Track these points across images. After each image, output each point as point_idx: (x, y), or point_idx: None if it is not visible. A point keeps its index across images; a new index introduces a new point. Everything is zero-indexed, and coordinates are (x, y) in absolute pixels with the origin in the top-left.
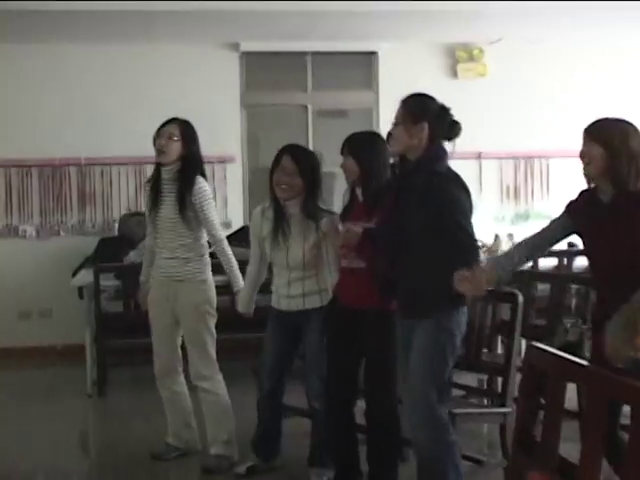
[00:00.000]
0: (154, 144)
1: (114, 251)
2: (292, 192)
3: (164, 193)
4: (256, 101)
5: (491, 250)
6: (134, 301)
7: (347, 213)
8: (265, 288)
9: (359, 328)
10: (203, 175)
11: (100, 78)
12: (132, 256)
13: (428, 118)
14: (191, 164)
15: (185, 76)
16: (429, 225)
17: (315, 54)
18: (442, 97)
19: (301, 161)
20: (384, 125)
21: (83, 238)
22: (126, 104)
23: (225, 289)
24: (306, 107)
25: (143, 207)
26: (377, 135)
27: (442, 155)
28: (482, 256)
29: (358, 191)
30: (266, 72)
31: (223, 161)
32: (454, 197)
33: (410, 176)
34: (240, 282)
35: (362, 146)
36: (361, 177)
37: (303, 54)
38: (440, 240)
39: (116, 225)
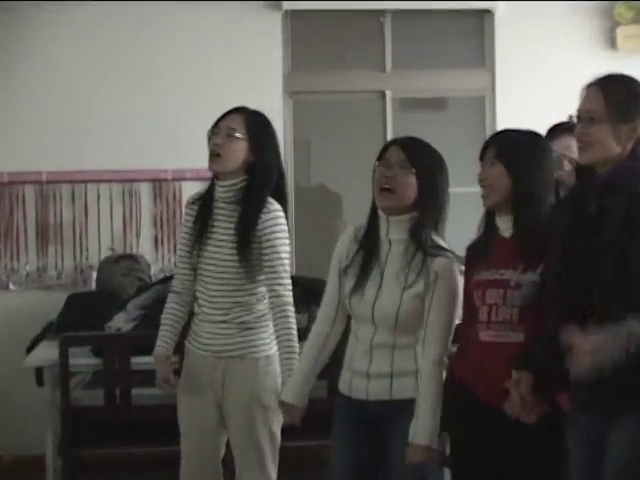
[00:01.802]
0: (208, 143)
1: (91, 314)
2: (400, 198)
3: (217, 222)
4: (306, 86)
5: None
6: (122, 389)
7: (483, 255)
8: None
9: (506, 441)
10: (281, 197)
11: (73, 49)
12: (118, 321)
13: None
14: (262, 178)
15: (202, 50)
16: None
17: (397, 14)
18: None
19: (416, 154)
20: (503, 120)
21: (44, 294)
22: (112, 91)
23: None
24: (383, 94)
25: (133, 247)
26: (540, 137)
27: None
28: None
29: (502, 220)
30: (321, 42)
31: None
32: None
33: (598, 199)
34: (293, 368)
35: (520, 150)
36: (514, 198)
37: (378, 14)
38: None
39: (94, 274)
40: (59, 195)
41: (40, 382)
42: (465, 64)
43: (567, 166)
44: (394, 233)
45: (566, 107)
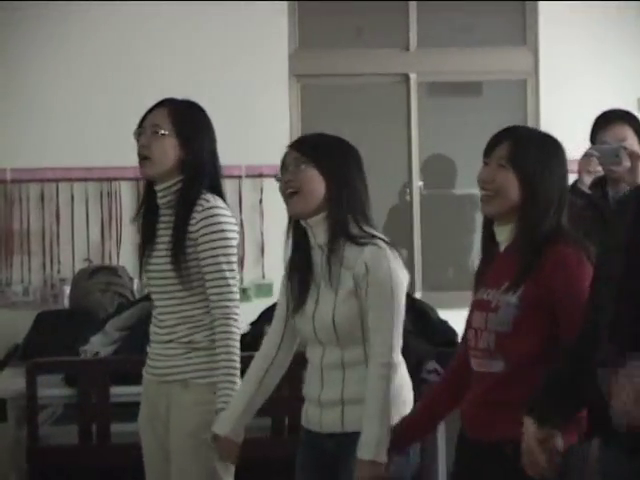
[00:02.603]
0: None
1: (63, 336)
2: (308, 196)
3: (158, 231)
4: (316, 67)
5: None
6: (100, 424)
7: (482, 272)
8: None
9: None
10: (217, 192)
11: (48, 43)
12: (95, 345)
13: None
14: (194, 174)
15: (189, 29)
16: None
17: None
18: None
19: (309, 148)
20: (547, 107)
21: (7, 313)
22: (85, 78)
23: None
24: (407, 77)
25: (113, 257)
26: (559, 143)
27: None
28: None
29: (500, 231)
30: (334, 16)
31: (257, 174)
32: None
33: None
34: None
35: (537, 156)
36: (520, 210)
37: None
38: None
39: (66, 290)
40: (26, 196)
41: (2, 417)
42: (503, 42)
43: (626, 161)
44: (319, 236)
45: (620, 92)
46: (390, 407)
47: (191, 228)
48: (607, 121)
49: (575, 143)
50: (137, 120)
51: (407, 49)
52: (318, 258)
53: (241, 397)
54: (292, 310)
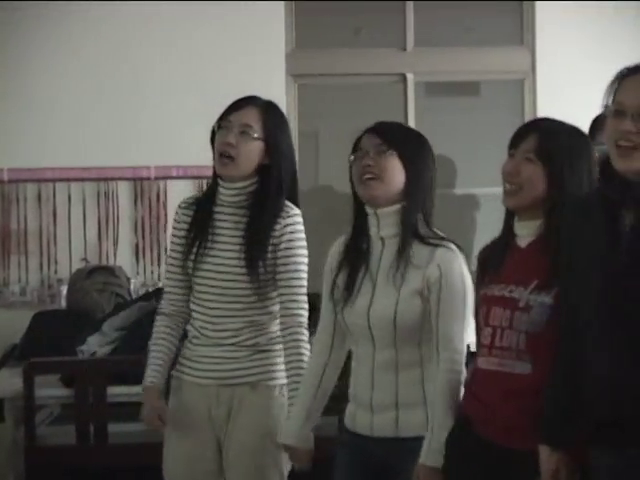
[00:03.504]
0: (212, 142)
1: (60, 336)
2: (388, 184)
3: (221, 229)
4: (313, 67)
5: None
6: (97, 425)
7: (495, 265)
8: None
9: None
10: (295, 202)
11: (42, 43)
12: (93, 345)
13: None
14: (278, 182)
15: (187, 29)
16: None
17: None
18: None
19: (393, 135)
20: (544, 107)
21: (5, 313)
22: (82, 78)
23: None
24: (404, 77)
25: (110, 257)
26: (586, 136)
27: None
28: None
29: (522, 226)
30: (331, 15)
31: None
32: None
33: (636, 216)
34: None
35: (567, 150)
36: (548, 205)
37: None
38: None
39: (63, 290)
40: (23, 197)
41: (0, 417)
42: (500, 42)
43: None
44: (386, 228)
45: None
46: (454, 415)
47: (274, 233)
48: (603, 123)
49: None
50: (135, 120)
51: (404, 49)
52: (377, 250)
53: (301, 404)
54: (340, 304)
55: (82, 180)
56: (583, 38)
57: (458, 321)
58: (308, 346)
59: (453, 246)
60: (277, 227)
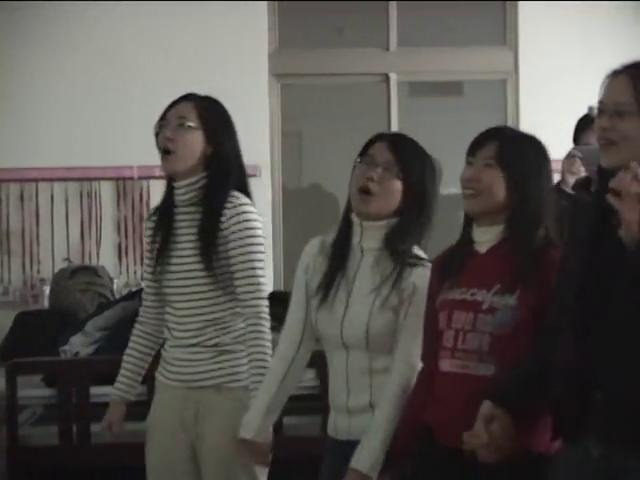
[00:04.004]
0: (156, 140)
1: (43, 336)
2: (382, 204)
3: (180, 229)
4: (296, 67)
5: None
6: (80, 425)
7: (453, 270)
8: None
9: None
10: (244, 190)
11: (23, 42)
12: (76, 345)
13: None
14: (223, 171)
15: (170, 30)
16: None
17: None
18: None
19: (406, 155)
20: (527, 107)
21: None
22: (65, 78)
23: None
24: (387, 77)
25: (93, 257)
26: (542, 143)
27: None
28: None
29: (481, 232)
30: (314, 15)
31: None
32: None
33: None
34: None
35: (525, 156)
36: (508, 211)
37: None
38: None
39: (46, 290)
40: (5, 196)
41: None
42: (483, 41)
43: None
44: (368, 241)
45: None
46: (394, 430)
47: (222, 225)
48: (590, 122)
49: (555, 142)
50: (118, 119)
51: (387, 49)
52: (356, 260)
53: (262, 398)
54: (316, 309)
55: (65, 180)
56: (565, 38)
57: (418, 339)
58: (269, 336)
59: (430, 265)
60: (224, 219)
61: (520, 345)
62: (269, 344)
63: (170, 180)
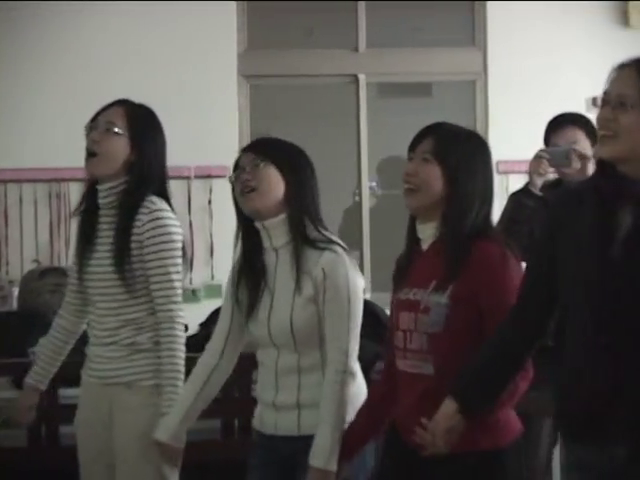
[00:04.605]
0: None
1: (11, 337)
2: (266, 194)
3: (99, 232)
4: (265, 68)
5: None
6: (48, 426)
7: (404, 271)
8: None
9: None
10: (164, 196)
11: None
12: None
13: None
14: (141, 176)
15: (138, 29)
16: None
17: None
18: (601, 62)
19: (269, 149)
20: (496, 107)
21: None
22: (32, 78)
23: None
24: (356, 78)
25: (62, 258)
26: (483, 140)
27: None
28: None
29: (423, 229)
30: (284, 16)
31: (206, 175)
32: None
33: (636, 211)
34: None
35: (463, 151)
36: (445, 205)
37: None
38: None
39: (15, 291)
40: None
41: None
42: (452, 42)
43: (576, 163)
44: (276, 239)
45: (572, 93)
46: (344, 415)
47: (137, 230)
48: (559, 124)
49: (524, 143)
50: (86, 121)
51: (356, 50)
52: (272, 261)
53: (181, 403)
54: (245, 315)
55: (34, 181)
56: (535, 39)
57: (343, 321)
58: (182, 340)
59: (338, 248)
60: (139, 224)
61: (456, 343)
62: (181, 347)
63: (93, 182)
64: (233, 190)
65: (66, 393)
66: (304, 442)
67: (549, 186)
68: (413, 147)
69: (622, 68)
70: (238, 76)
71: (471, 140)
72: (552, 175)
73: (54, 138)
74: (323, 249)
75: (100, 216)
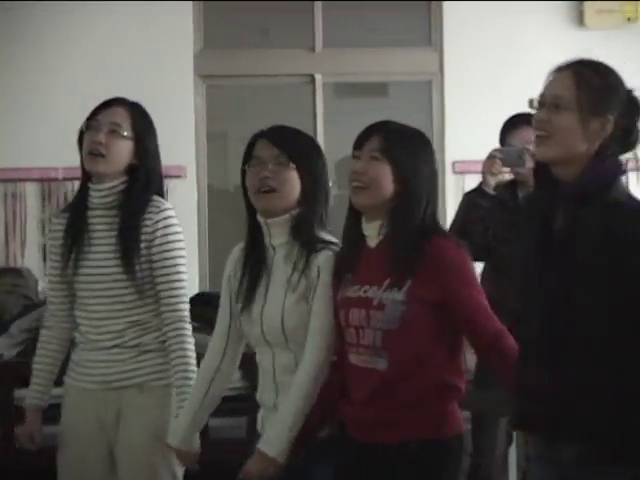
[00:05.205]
0: (79, 142)
1: None
2: (285, 198)
3: (96, 232)
4: (222, 68)
5: None
6: (3, 428)
7: (348, 268)
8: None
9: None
10: (161, 196)
11: None
12: (0, 347)
13: (616, 108)
14: (145, 179)
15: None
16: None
17: None
18: (556, 62)
19: (292, 146)
20: (452, 107)
21: None
22: None
23: None
24: (312, 78)
25: (17, 259)
26: (426, 136)
27: (619, 174)
28: None
29: (370, 227)
30: (240, 16)
31: (163, 175)
32: None
33: (568, 210)
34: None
35: (410, 148)
36: (394, 203)
37: None
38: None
39: None
40: None
41: None
42: (409, 42)
43: (529, 163)
44: (276, 237)
45: (528, 93)
46: (304, 417)
47: (147, 229)
48: (514, 124)
49: (480, 143)
50: (42, 120)
51: (313, 50)
52: (270, 258)
53: (188, 408)
54: (239, 312)
55: None
56: (491, 39)
57: (327, 320)
58: (192, 340)
59: (336, 248)
60: (149, 223)
61: (412, 339)
62: (192, 347)
63: (85, 181)
64: (243, 178)
65: (21, 394)
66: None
67: (504, 186)
68: (359, 145)
69: (559, 71)
70: (194, 76)
71: (416, 138)
72: (508, 175)
73: (9, 138)
74: (319, 250)
75: (91, 217)
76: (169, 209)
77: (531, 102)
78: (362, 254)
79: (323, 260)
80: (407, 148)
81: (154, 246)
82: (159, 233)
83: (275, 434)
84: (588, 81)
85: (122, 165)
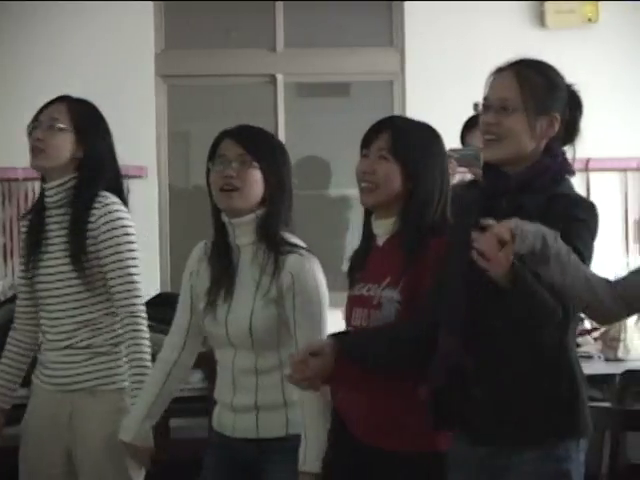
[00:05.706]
0: (29, 141)
1: None
2: (247, 197)
3: (51, 231)
4: (183, 68)
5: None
6: None
7: (359, 267)
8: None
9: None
10: (118, 192)
11: None
12: None
13: (560, 105)
14: (91, 174)
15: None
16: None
17: None
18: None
19: (256, 145)
20: (413, 108)
21: None
22: None
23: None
24: (274, 78)
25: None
26: (436, 132)
27: (566, 168)
28: None
29: (379, 225)
30: (201, 15)
31: (124, 175)
32: (588, 240)
33: (512, 197)
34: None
35: (419, 146)
36: (404, 202)
37: None
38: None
39: None
40: None
41: None
42: (370, 42)
43: None
44: (241, 237)
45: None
46: (328, 414)
47: (91, 226)
48: (474, 124)
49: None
50: (2, 120)
51: (274, 50)
52: (235, 259)
53: (143, 401)
54: (202, 311)
55: None
56: (452, 38)
57: (315, 324)
58: (147, 335)
59: (304, 252)
60: (92, 219)
61: None
62: (147, 343)
63: (42, 181)
64: (208, 176)
65: None
66: (261, 445)
67: (465, 186)
68: (367, 143)
69: (500, 72)
70: (155, 76)
71: (426, 133)
72: (469, 175)
73: None
74: (287, 252)
75: (47, 217)
76: (114, 203)
77: (476, 106)
78: (372, 252)
79: (295, 267)
80: (416, 145)
81: (100, 242)
82: (103, 228)
83: (312, 449)
84: (531, 81)
85: (63, 159)
